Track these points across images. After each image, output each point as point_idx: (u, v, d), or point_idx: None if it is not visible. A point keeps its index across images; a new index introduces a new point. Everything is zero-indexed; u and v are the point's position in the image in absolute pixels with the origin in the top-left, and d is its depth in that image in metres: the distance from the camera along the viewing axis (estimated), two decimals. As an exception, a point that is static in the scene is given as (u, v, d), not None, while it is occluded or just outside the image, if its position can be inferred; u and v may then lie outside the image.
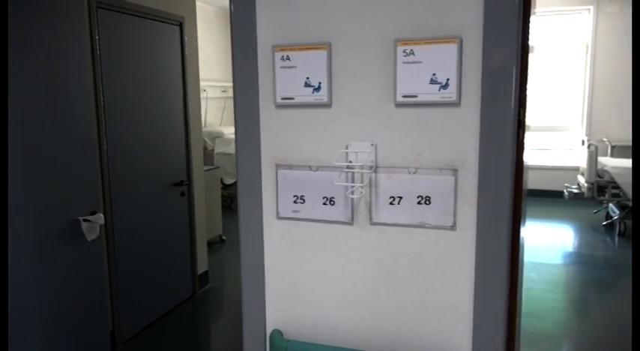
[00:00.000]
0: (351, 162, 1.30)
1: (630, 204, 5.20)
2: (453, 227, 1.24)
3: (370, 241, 1.31)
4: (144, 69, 3.36)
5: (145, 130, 3.38)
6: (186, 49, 3.78)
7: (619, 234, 5.32)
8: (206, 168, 4.51)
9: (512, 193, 1.21)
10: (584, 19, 6.98)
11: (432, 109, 1.23)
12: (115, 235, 3.14)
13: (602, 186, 5.40)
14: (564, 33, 7.12)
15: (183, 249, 3.87)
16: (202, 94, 5.73)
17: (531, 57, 1.32)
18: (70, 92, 2.35)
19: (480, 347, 1.25)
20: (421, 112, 1.24)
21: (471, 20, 1.17)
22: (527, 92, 1.32)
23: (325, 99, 1.30)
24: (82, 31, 2.44)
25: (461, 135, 1.22)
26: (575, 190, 5.74)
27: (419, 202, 1.26)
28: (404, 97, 1.24)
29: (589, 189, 5.42)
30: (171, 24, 3.63)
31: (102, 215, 2.56)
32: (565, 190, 5.85)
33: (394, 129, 1.26)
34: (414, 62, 1.22)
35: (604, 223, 5.71)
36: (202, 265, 4.13)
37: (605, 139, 6.69)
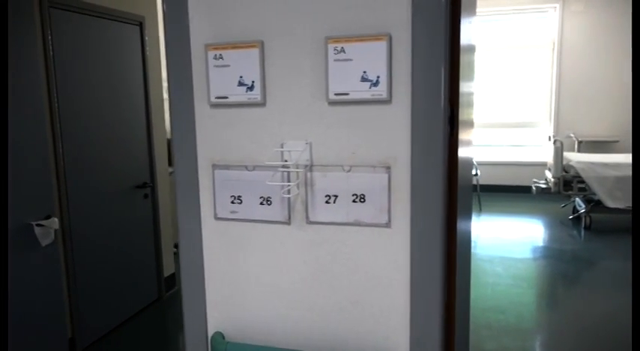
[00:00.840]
0: (286, 161, 1.29)
1: (595, 197, 5.31)
2: (387, 224, 1.24)
3: (307, 241, 1.30)
4: (102, 70, 3.30)
5: (104, 132, 3.32)
6: (147, 49, 3.73)
7: (585, 227, 5.42)
8: (172, 170, 4.45)
9: (444, 188, 1.21)
10: (551, 17, 7.10)
11: (363, 106, 1.22)
12: (74, 239, 3.08)
13: (568, 181, 5.50)
14: (532, 31, 7.23)
15: (148, 252, 3.81)
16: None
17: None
18: (19, 93, 2.29)
19: (417, 344, 1.25)
20: (354, 110, 1.23)
21: (399, 17, 1.17)
22: (460, 89, 1.32)
23: (259, 98, 1.28)
24: (32, 32, 2.38)
25: (393, 132, 1.21)
26: (543, 185, 5.84)
27: (354, 201, 1.26)
28: (336, 95, 1.23)
29: (555, 184, 5.51)
30: (131, 24, 3.58)
31: (56, 219, 2.51)
32: (533, 186, 5.94)
33: (328, 127, 1.25)
34: (345, 60, 1.21)
35: (571, 217, 5.82)
36: (169, 268, 4.08)
37: (572, 135, 6.82)
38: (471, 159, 2.05)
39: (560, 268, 4.50)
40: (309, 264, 1.31)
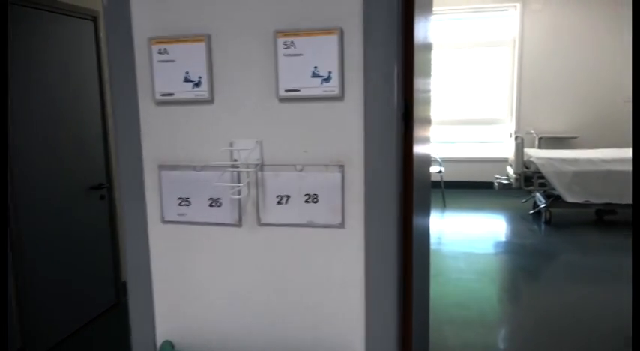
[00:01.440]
0: (236, 160, 1.23)
1: (554, 192, 5.42)
2: (341, 225, 1.21)
3: (259, 244, 1.25)
4: (53, 67, 3.15)
5: (56, 132, 3.18)
6: (102, 45, 3.59)
7: (545, 222, 5.54)
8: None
9: (399, 186, 1.18)
10: (512, 16, 7.22)
11: (315, 103, 1.18)
12: (25, 242, 2.94)
13: (528, 176, 5.61)
14: (494, 29, 7.35)
15: (105, 255, 3.68)
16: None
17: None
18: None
19: (372, 343, 1.22)
20: (305, 107, 1.19)
21: (350, 10, 1.13)
22: (416, 86, 1.30)
23: (206, 94, 1.22)
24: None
25: (346, 130, 1.18)
26: (505, 182, 5.94)
27: (307, 201, 1.21)
28: (287, 91, 1.18)
29: (517, 180, 5.61)
30: (85, 19, 3.44)
31: None
32: (495, 182, 6.04)
33: (279, 125, 1.21)
34: (295, 55, 1.17)
35: (531, 212, 5.94)
36: (128, 271, 3.95)
37: (532, 132, 6.96)
38: (429, 156, 2.04)
39: (521, 262, 4.58)
40: (262, 267, 1.26)
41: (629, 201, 5.18)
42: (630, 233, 5.20)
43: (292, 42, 1.16)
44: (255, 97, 1.21)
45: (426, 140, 1.87)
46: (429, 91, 1.82)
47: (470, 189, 7.15)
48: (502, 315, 3.48)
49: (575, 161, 5.37)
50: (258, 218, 1.24)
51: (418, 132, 1.65)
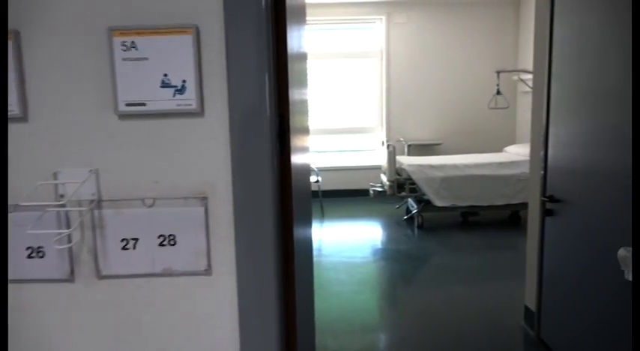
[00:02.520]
0: (62, 196, 0.94)
1: (425, 197, 5.64)
2: (207, 271, 0.97)
3: (100, 302, 0.97)
4: None
5: None
6: None
7: (418, 226, 5.74)
8: None
9: (275, 217, 0.98)
10: (378, 28, 7.48)
11: (167, 120, 0.93)
12: None
13: (401, 183, 5.78)
14: (363, 40, 7.55)
15: None
16: None
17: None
18: None
19: None
20: (154, 125, 0.93)
21: (208, 5, 0.91)
22: (291, 97, 1.11)
23: (16, 111, 0.91)
24: None
25: (207, 152, 0.95)
26: (379, 189, 6.07)
27: (161, 244, 0.96)
28: (128, 105, 0.92)
29: (390, 187, 5.75)
30: None
31: None
32: (370, 189, 6.15)
33: (120, 148, 0.94)
34: (137, 59, 0.91)
35: (405, 217, 6.13)
36: None
37: (402, 139, 7.24)
38: (309, 165, 1.89)
39: (399, 268, 4.66)
40: (106, 331, 0.98)
41: (488, 203, 5.58)
42: (492, 233, 5.59)
43: (133, 42, 0.91)
44: (87, 113, 0.93)
45: (304, 150, 1.71)
46: (305, 101, 1.66)
47: (347, 197, 7.23)
48: (384, 326, 3.46)
49: (442, 167, 5.65)
50: (97, 269, 0.96)
51: (297, 143, 1.47)
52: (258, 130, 0.94)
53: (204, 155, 0.94)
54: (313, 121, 7.44)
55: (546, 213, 2.62)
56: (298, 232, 1.31)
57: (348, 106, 7.59)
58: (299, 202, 1.55)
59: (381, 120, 7.55)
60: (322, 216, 6.43)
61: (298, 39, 1.47)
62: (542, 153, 2.71)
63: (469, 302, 3.69)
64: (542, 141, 2.71)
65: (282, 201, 1.05)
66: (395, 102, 7.41)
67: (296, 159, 1.45)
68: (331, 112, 7.57)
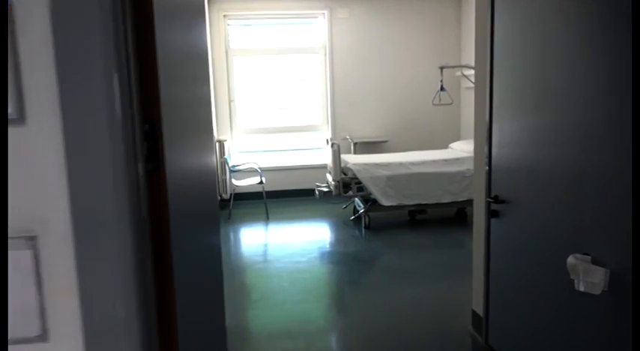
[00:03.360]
0: None
1: (371, 197, 5.49)
2: (42, 337, 0.71)
3: None
4: None
5: None
6: None
7: (365, 226, 5.59)
8: None
9: (139, 251, 0.73)
10: (321, 23, 7.27)
11: (-30, 131, 0.66)
12: None
13: (347, 182, 5.60)
14: (306, 36, 7.32)
15: None
16: None
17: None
18: None
19: None
20: (-49, 139, 0.66)
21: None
22: (173, 97, 0.86)
23: None
24: None
25: (33, 174, 0.68)
26: (325, 189, 5.87)
27: (-28, 302, 0.69)
28: None
29: (336, 186, 5.56)
30: None
31: None
32: (316, 189, 5.94)
33: None
34: None
35: (352, 217, 5.97)
36: None
37: (348, 137, 7.08)
38: (212, 168, 1.64)
39: (346, 272, 4.49)
40: None
41: (435, 200, 5.48)
42: (439, 231, 5.51)
43: None
44: None
45: (205, 151, 1.46)
46: (203, 99, 1.41)
47: (292, 197, 7.00)
48: (330, 339, 3.25)
49: (388, 165, 5.51)
50: None
51: (191, 146, 1.22)
52: (105, 141, 0.69)
53: (29, 179, 0.68)
54: (256, 119, 7.16)
55: (492, 214, 2.48)
56: (190, 257, 1.07)
57: (293, 104, 7.35)
58: (197, 212, 1.31)
59: (326, 117, 7.37)
60: (267, 218, 6.18)
61: (187, 36, 1.23)
62: (486, 150, 2.57)
63: (417, 306, 3.55)
64: (485, 138, 2.57)
65: (154, 227, 0.80)
66: (340, 99, 7.24)
67: (188, 164, 1.20)
68: (275, 110, 7.31)
